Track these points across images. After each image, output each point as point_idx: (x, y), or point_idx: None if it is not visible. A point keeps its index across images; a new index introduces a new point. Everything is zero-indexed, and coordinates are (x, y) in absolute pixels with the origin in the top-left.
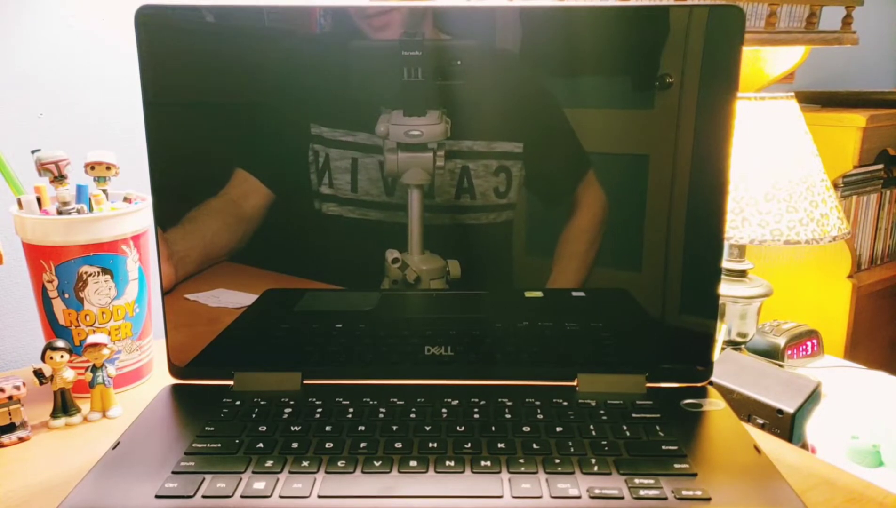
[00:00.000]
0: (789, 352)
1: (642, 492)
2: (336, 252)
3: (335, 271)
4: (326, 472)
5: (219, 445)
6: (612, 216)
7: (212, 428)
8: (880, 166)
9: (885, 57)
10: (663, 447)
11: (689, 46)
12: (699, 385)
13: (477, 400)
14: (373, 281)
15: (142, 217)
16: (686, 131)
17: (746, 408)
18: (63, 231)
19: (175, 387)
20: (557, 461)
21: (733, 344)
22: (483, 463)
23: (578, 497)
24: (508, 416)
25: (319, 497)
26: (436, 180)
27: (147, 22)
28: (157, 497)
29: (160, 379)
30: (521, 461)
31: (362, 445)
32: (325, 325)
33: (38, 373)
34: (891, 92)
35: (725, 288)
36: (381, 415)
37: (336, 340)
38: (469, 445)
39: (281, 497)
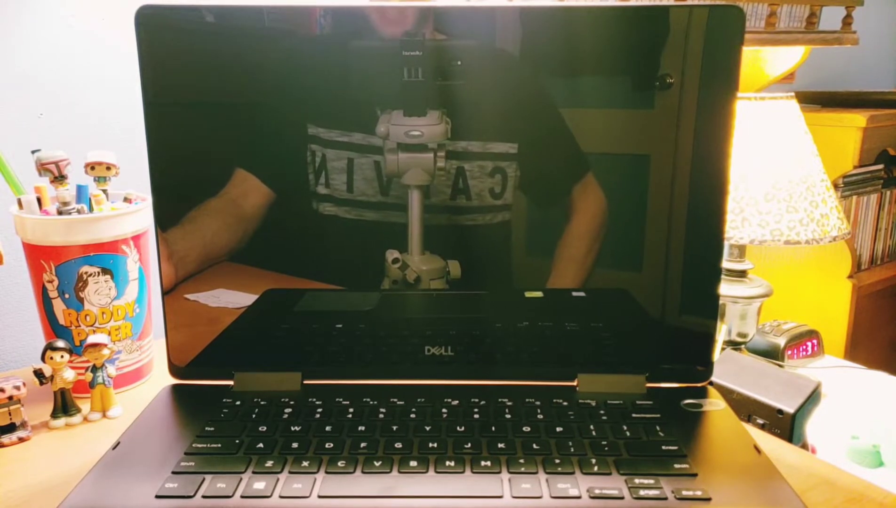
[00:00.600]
0: (789, 352)
1: (642, 492)
2: (336, 252)
3: (335, 271)
4: (326, 472)
5: (219, 445)
6: (613, 216)
7: (212, 428)
8: (880, 166)
9: (885, 57)
10: (663, 447)
11: (689, 46)
12: (699, 385)
13: (477, 400)
14: (373, 281)
15: (142, 217)
16: (686, 131)
17: (746, 408)
18: (63, 231)
19: (175, 387)
20: (557, 461)
21: (733, 345)
22: (483, 463)
23: (578, 498)
24: (508, 416)
25: (319, 497)
26: (436, 180)
27: (147, 22)
28: (157, 497)
29: (160, 379)
30: (521, 461)
31: (362, 445)
32: (325, 325)
33: (39, 373)
34: (891, 92)
35: (725, 288)
36: (382, 415)
37: (336, 340)
38: (469, 445)
39: (281, 497)
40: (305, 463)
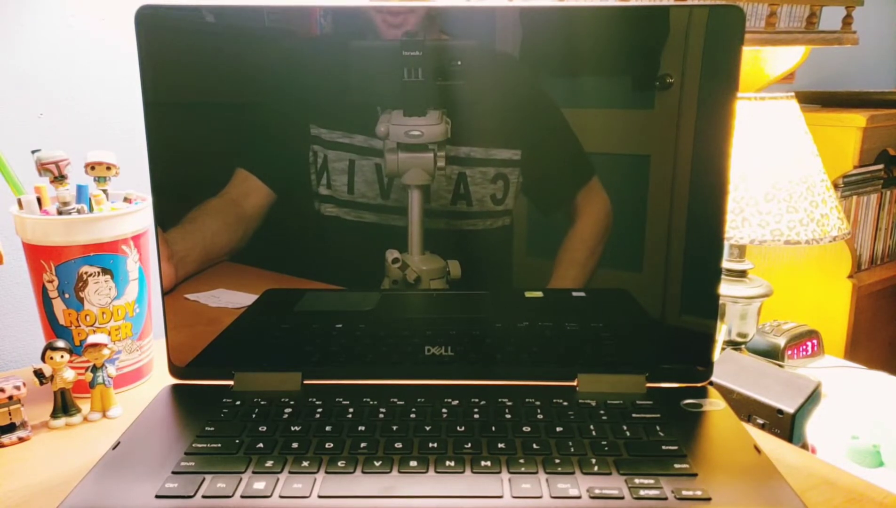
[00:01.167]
0: (789, 352)
1: (642, 492)
2: (336, 252)
3: (335, 271)
4: (326, 472)
5: (219, 445)
6: (613, 216)
7: (212, 428)
8: (880, 166)
9: (885, 57)
10: (663, 447)
11: (689, 46)
12: (699, 385)
13: (477, 400)
14: (373, 281)
15: (142, 217)
16: (686, 131)
17: (746, 408)
18: (63, 231)
19: (175, 387)
20: (557, 461)
21: (733, 345)
22: (483, 463)
23: (578, 498)
24: (508, 416)
25: (319, 497)
26: (436, 180)
27: (147, 22)
28: (157, 497)
29: (160, 379)
30: (522, 461)
31: (362, 445)
32: (325, 325)
33: (39, 373)
34: (891, 92)
35: (725, 288)
36: (382, 415)
37: (336, 340)
38: (469, 445)
39: (281, 497)
40: (305, 463)
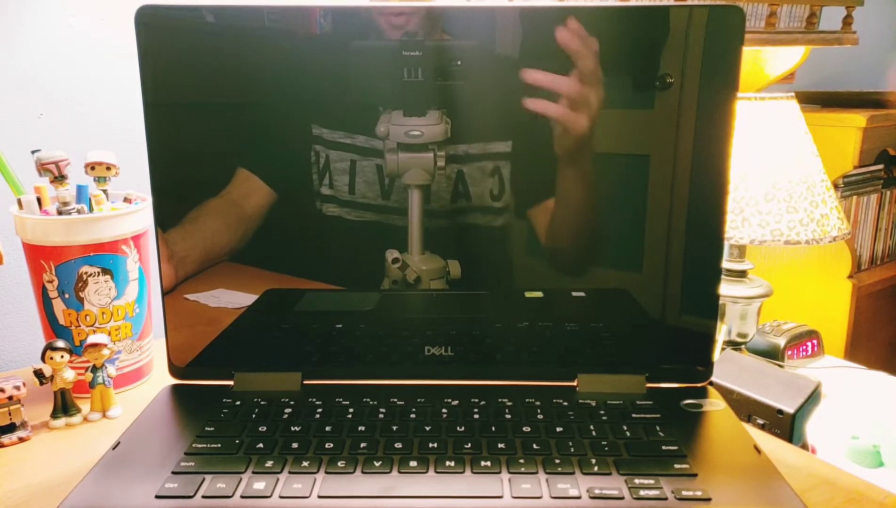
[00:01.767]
0: (789, 353)
1: (642, 492)
2: (336, 252)
3: (335, 271)
4: (326, 472)
5: (219, 445)
6: (613, 216)
7: (212, 428)
8: (880, 166)
9: (886, 57)
10: (663, 447)
11: (689, 46)
12: (699, 385)
13: (477, 400)
14: (373, 281)
15: (142, 217)
16: (686, 131)
17: (746, 408)
18: (63, 231)
19: (175, 387)
20: (557, 461)
21: (733, 345)
22: (483, 464)
23: (578, 498)
24: (508, 416)
25: (319, 497)
26: (436, 180)
27: (147, 22)
28: (157, 497)
29: (160, 379)
30: (521, 461)
31: (362, 445)
32: (325, 325)
33: (38, 373)
34: (891, 92)
35: (725, 288)
36: (381, 415)
37: (336, 340)
38: (469, 445)
39: (281, 497)
40: (305, 463)
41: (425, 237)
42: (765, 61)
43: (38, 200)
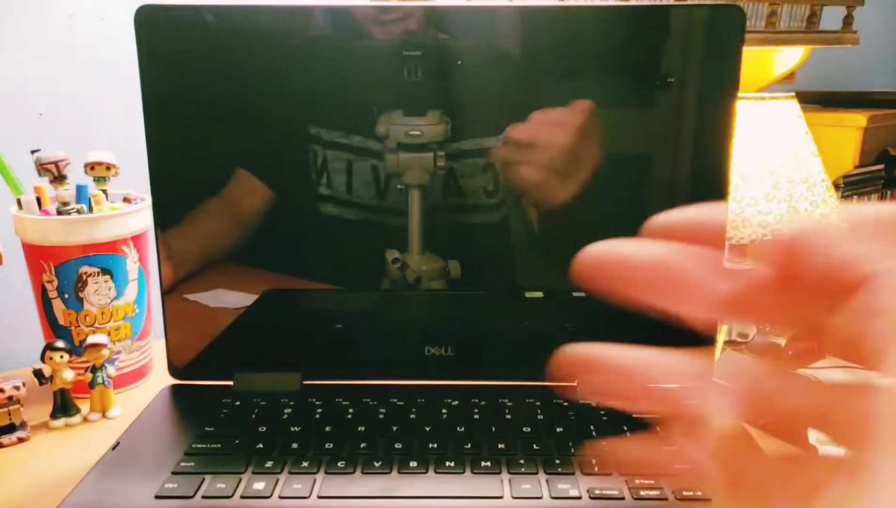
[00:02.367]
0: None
1: (643, 492)
2: (336, 252)
3: (335, 271)
4: (326, 473)
5: (218, 445)
6: (613, 216)
7: (211, 429)
8: (881, 166)
9: (886, 57)
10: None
11: (690, 46)
12: None
13: (477, 400)
14: (373, 281)
15: (142, 217)
16: (686, 131)
17: None
18: (63, 231)
19: (175, 388)
20: (558, 461)
21: (734, 345)
22: (483, 464)
23: (579, 498)
24: (508, 417)
25: (319, 497)
26: (436, 180)
27: (147, 22)
28: (156, 497)
29: (160, 379)
30: (522, 461)
31: (362, 445)
32: (324, 325)
33: (38, 374)
34: (891, 92)
35: None
36: (381, 416)
37: (336, 340)
38: (469, 446)
39: (281, 497)
40: (305, 464)
41: (425, 237)
42: (765, 61)
43: (38, 200)
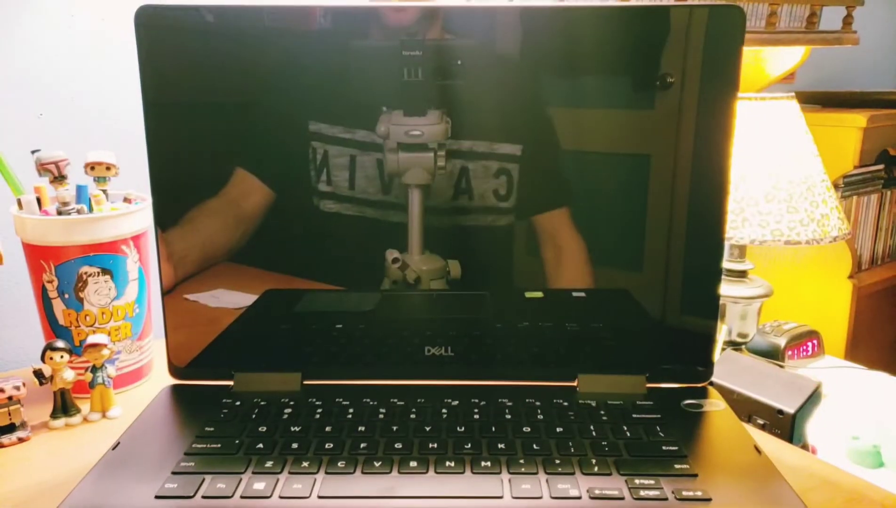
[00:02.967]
0: (790, 353)
1: (643, 493)
2: (336, 252)
3: (335, 271)
4: (326, 473)
5: (219, 445)
6: (613, 216)
7: (212, 429)
8: (881, 166)
9: (886, 57)
10: (664, 447)
11: (690, 46)
12: (699, 385)
13: (477, 400)
14: (373, 281)
15: (142, 217)
16: (686, 131)
17: (747, 409)
18: (63, 231)
19: (175, 388)
20: (558, 461)
21: (734, 345)
22: (483, 464)
23: (579, 498)
24: (509, 417)
25: (319, 497)
26: (436, 180)
27: (147, 22)
28: (156, 497)
29: (160, 379)
30: (522, 461)
31: (362, 445)
32: (325, 325)
33: (38, 374)
34: (891, 92)
35: (726, 288)
36: (381, 416)
37: (336, 340)
38: (469, 445)
39: (281, 497)
40: (305, 464)
41: (425, 237)
42: (765, 61)
43: (38, 200)
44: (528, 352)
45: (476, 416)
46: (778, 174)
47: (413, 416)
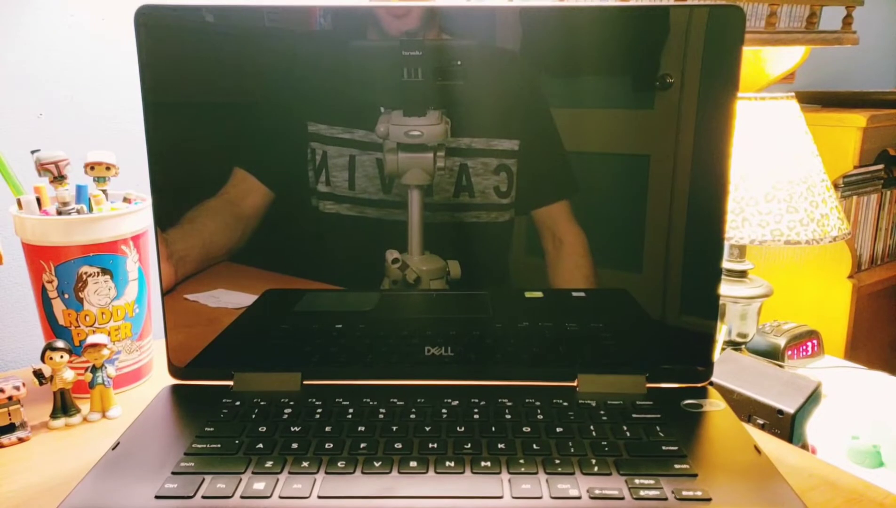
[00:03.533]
0: (789, 353)
1: (642, 493)
2: (336, 252)
3: (335, 271)
4: (326, 473)
5: (219, 445)
6: (613, 216)
7: (211, 429)
8: (880, 166)
9: (885, 57)
10: (663, 447)
11: (690, 46)
12: (699, 385)
13: (477, 400)
14: (373, 281)
15: (142, 217)
16: (686, 131)
17: (747, 409)
18: (63, 231)
19: (175, 388)
20: (557, 461)
21: (734, 345)
22: (483, 464)
23: (578, 498)
24: (508, 417)
25: (319, 497)
26: (436, 180)
27: (147, 22)
28: (156, 497)
29: (160, 379)
30: (521, 461)
31: (362, 445)
32: (325, 325)
33: (38, 374)
34: (891, 92)
35: (726, 288)
36: (381, 416)
37: (336, 340)
38: (469, 445)
39: (281, 497)
40: (305, 464)
41: (425, 237)
42: (765, 61)
43: (38, 200)
44: (527, 352)
45: (476, 416)
46: (778, 174)
47: (413, 416)
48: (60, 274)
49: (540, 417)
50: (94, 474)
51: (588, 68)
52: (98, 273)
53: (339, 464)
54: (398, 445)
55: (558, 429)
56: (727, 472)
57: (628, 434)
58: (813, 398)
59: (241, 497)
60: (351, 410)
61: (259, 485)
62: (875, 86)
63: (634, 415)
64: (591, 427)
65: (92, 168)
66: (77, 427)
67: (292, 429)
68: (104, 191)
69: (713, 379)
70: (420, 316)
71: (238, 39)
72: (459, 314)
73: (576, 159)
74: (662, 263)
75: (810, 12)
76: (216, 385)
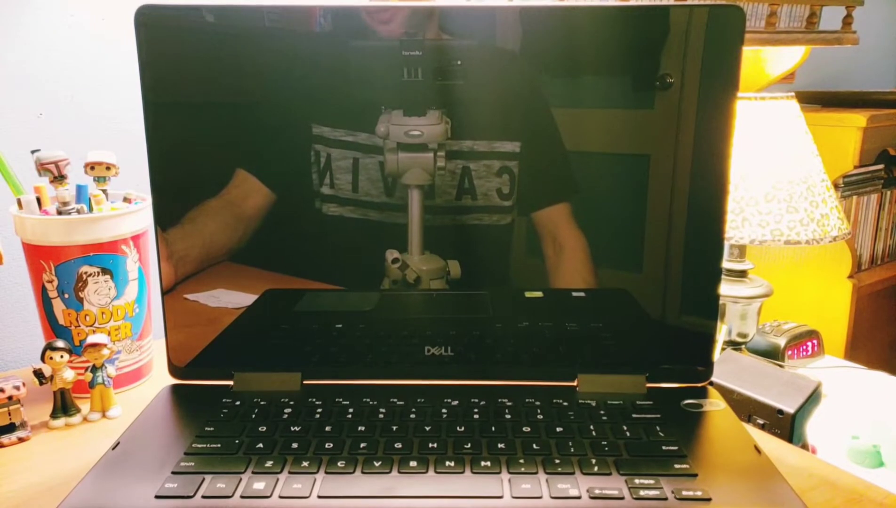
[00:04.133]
0: (790, 353)
1: (642, 493)
2: (336, 252)
3: (335, 271)
4: (326, 472)
5: (219, 445)
6: (613, 216)
7: (211, 429)
8: (880, 166)
9: (886, 57)
10: (663, 447)
11: (690, 46)
12: (699, 385)
13: (477, 400)
14: (373, 281)
15: (142, 217)
16: (686, 131)
17: (747, 409)
18: (63, 231)
19: (175, 387)
20: (557, 461)
21: (734, 345)
22: (483, 464)
23: (578, 498)
24: (508, 416)
25: (319, 497)
26: (436, 180)
27: (147, 22)
28: (156, 497)
29: (160, 379)
30: (521, 461)
31: (362, 445)
32: (325, 325)
33: (38, 373)
34: (891, 92)
35: (726, 288)
36: (381, 416)
37: (336, 340)
38: (469, 445)
39: (281, 497)
40: (305, 464)
41: (425, 237)
42: (765, 61)
43: (38, 200)
44: (527, 352)
45: (476, 416)
46: (778, 174)
47: (413, 416)
48: (60, 274)
49: (540, 417)
50: (94, 474)
51: (588, 68)
52: (98, 273)
53: (339, 464)
54: (398, 445)
55: (558, 429)
56: (727, 472)
57: (628, 434)
58: (813, 398)
59: (241, 497)
60: (351, 410)
61: (259, 485)
62: (875, 86)
63: (634, 415)
64: (591, 427)
65: (92, 168)
66: (77, 426)
67: (292, 429)
68: (104, 191)
69: (713, 378)
70: (420, 316)
71: (238, 39)
72: (459, 314)
73: (576, 159)
74: (662, 263)
75: (810, 12)
76: (216, 385)
